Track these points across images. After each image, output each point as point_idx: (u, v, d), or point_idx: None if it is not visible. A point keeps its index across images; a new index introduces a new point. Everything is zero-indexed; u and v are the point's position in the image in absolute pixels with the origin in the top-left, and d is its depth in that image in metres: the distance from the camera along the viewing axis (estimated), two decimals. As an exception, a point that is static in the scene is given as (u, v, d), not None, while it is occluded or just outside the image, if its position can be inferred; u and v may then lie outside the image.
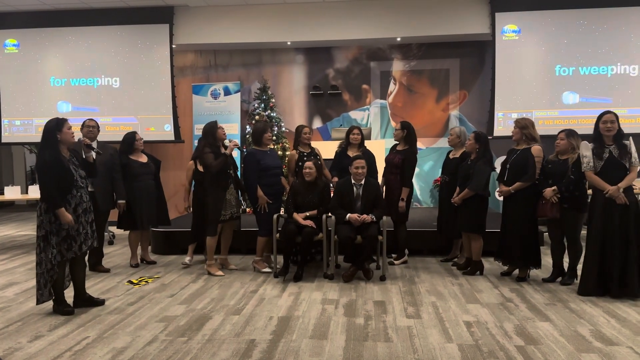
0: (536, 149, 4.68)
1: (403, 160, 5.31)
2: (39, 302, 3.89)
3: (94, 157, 4.22)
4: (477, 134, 5.00)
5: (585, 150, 4.23)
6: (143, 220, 5.44)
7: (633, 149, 4.15)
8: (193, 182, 5.48)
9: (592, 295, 4.23)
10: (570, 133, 4.57)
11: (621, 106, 7.34)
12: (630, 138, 4.22)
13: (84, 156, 4.14)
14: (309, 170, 4.99)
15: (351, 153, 5.32)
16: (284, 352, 3.18)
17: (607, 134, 4.18)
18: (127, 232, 5.56)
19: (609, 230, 4.16)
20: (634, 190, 4.30)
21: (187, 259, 5.60)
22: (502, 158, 5.19)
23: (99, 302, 4.17)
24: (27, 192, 7.68)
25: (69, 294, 4.08)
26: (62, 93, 8.45)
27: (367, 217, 4.83)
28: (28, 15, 8.32)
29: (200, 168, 5.23)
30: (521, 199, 4.67)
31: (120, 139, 5.58)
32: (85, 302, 4.12)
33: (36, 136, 8.52)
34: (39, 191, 3.87)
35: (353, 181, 4.96)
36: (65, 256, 3.86)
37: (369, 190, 4.95)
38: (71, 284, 4.09)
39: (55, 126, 3.86)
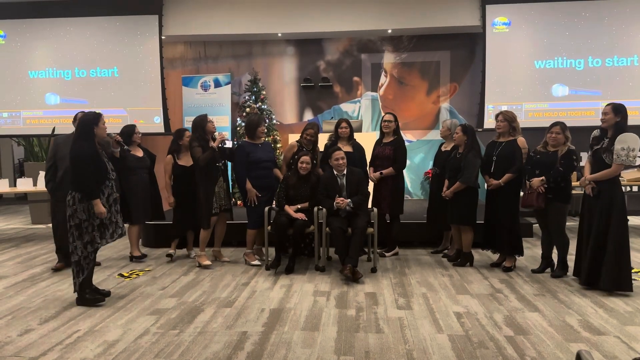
0: (522, 141, 4.80)
1: (395, 150, 5.34)
2: (75, 290, 3.98)
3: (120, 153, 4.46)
4: (465, 127, 5.04)
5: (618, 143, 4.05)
6: (137, 215, 5.42)
7: (619, 146, 3.97)
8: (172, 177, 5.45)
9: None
10: (565, 126, 4.61)
11: (610, 98, 7.36)
12: (627, 135, 3.97)
13: (111, 151, 4.41)
14: (306, 165, 4.98)
15: (341, 146, 5.31)
16: (276, 344, 3.19)
17: (601, 125, 4.21)
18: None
19: (584, 219, 4.32)
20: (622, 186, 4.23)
21: (170, 251, 5.51)
22: None
23: (105, 294, 4.15)
24: (15, 185, 7.59)
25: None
26: (50, 85, 8.36)
27: (343, 202, 4.81)
28: (15, 5, 8.20)
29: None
30: (507, 190, 4.76)
31: (108, 131, 5.53)
32: (92, 292, 4.09)
33: (24, 129, 8.44)
34: (75, 181, 3.88)
35: (336, 172, 4.97)
36: (100, 244, 3.97)
37: (352, 178, 4.97)
38: None
39: (93, 120, 3.99)
